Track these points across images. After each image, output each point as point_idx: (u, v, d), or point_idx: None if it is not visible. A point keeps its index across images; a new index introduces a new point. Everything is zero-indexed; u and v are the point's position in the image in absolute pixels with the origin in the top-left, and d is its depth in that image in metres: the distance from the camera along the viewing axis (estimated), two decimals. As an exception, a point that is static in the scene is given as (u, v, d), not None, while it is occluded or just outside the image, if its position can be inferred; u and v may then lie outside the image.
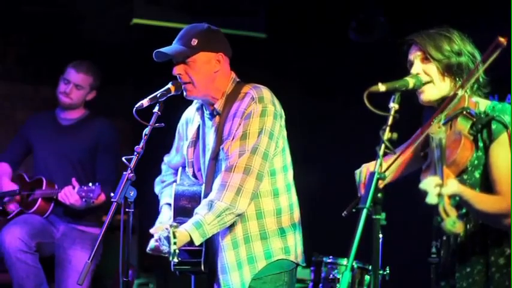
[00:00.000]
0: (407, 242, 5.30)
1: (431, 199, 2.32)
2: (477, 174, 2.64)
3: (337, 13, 5.61)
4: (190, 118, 3.33)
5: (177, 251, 2.79)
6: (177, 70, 3.12)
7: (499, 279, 2.61)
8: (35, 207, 4.57)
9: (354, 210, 2.72)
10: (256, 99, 3.04)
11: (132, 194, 2.90)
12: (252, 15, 5.78)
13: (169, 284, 6.58)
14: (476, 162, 2.63)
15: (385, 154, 2.39)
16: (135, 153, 2.94)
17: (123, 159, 2.92)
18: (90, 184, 4.32)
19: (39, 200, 4.57)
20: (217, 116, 3.14)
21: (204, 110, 3.23)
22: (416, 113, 6.21)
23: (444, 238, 2.81)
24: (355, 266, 4.18)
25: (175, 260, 2.80)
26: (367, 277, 4.24)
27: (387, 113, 2.44)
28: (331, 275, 4.27)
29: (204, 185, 3.12)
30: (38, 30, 6.03)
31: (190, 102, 3.39)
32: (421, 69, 2.71)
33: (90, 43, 5.98)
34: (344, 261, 4.18)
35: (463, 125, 2.62)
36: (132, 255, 5.31)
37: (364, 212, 2.33)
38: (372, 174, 2.33)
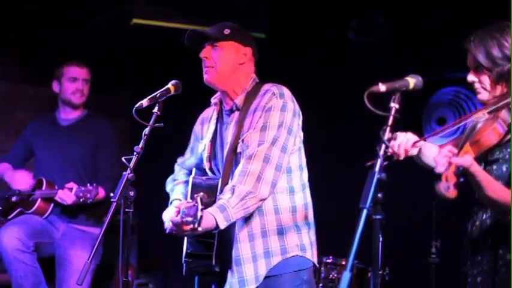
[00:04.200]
0: (407, 242, 5.30)
1: (439, 167, 2.47)
2: (504, 168, 2.69)
3: (337, 13, 5.61)
4: (206, 118, 3.36)
5: (203, 216, 2.73)
6: (204, 52, 3.16)
7: (504, 274, 2.65)
8: (34, 208, 4.58)
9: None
10: (277, 95, 3.08)
11: (132, 194, 2.89)
12: (252, 15, 5.77)
13: (169, 284, 6.58)
14: (507, 156, 2.68)
15: (385, 154, 2.39)
16: (135, 153, 2.94)
17: (123, 159, 2.93)
18: (88, 185, 4.34)
19: (39, 200, 4.57)
20: (236, 112, 3.16)
21: (223, 108, 3.25)
22: (416, 113, 6.24)
23: (468, 229, 2.87)
24: (355, 266, 4.18)
25: (200, 229, 2.74)
26: (366, 277, 4.24)
27: (387, 113, 2.44)
28: (331, 275, 4.27)
29: (220, 179, 3.11)
30: (38, 30, 6.03)
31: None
32: (475, 78, 2.76)
33: (90, 43, 5.97)
34: (344, 261, 4.19)
35: (505, 117, 2.66)
36: (132, 255, 5.32)
37: (364, 212, 2.33)
38: (372, 174, 2.33)
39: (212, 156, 3.25)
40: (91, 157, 4.68)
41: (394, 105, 2.44)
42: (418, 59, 5.48)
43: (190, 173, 3.40)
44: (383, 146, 2.39)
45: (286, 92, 3.13)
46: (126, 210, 2.89)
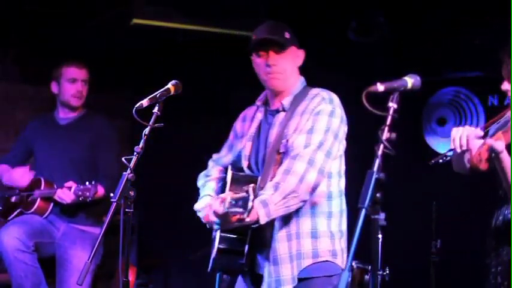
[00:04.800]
0: (408, 242, 5.30)
1: (473, 144, 2.90)
2: None
3: (337, 13, 5.62)
4: (249, 116, 3.36)
5: (253, 207, 2.74)
6: (272, 60, 3.14)
7: None
8: (33, 208, 4.58)
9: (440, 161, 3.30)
10: (326, 100, 3.10)
11: (132, 194, 2.90)
12: (252, 15, 5.77)
13: (169, 284, 6.59)
14: None
15: (383, 154, 2.40)
16: (135, 153, 2.94)
17: (123, 159, 2.93)
18: (87, 183, 4.33)
19: (38, 200, 4.57)
20: (281, 113, 3.18)
21: (268, 107, 3.26)
22: (416, 113, 6.23)
23: (493, 223, 3.14)
24: (355, 266, 4.18)
25: (248, 219, 2.76)
26: (366, 277, 4.24)
27: (386, 112, 2.45)
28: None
29: (260, 177, 3.12)
30: (38, 30, 6.03)
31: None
32: (509, 87, 3.01)
33: (90, 43, 5.98)
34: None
35: None
36: (132, 255, 5.32)
37: (363, 212, 2.33)
38: (371, 173, 2.33)
39: (252, 155, 3.25)
40: (91, 156, 4.68)
41: (393, 105, 2.45)
42: (418, 59, 5.48)
43: (225, 170, 3.40)
44: (381, 146, 2.39)
45: (335, 98, 3.15)
46: (126, 210, 2.89)
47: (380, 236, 4.00)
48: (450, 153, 3.19)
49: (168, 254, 6.50)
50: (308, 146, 3.01)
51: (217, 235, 3.08)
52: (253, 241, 3.05)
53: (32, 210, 4.59)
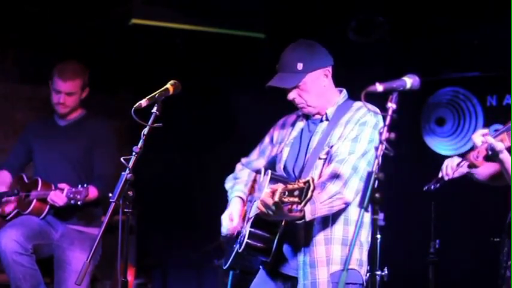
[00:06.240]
0: (406, 242, 5.30)
1: (476, 138, 3.04)
2: None
3: (337, 13, 5.61)
4: (288, 123, 3.41)
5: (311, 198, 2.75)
6: (291, 96, 3.20)
7: None
8: (30, 208, 4.57)
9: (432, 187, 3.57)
10: (372, 112, 3.14)
11: (131, 194, 2.89)
12: (251, 15, 5.78)
13: (168, 284, 6.59)
14: None
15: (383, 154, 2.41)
16: (134, 153, 2.93)
17: (122, 159, 2.92)
18: (79, 186, 4.32)
19: (34, 200, 4.56)
20: (325, 122, 3.23)
21: (310, 116, 3.29)
22: (415, 113, 6.22)
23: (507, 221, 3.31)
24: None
25: (299, 209, 2.79)
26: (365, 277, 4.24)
27: (385, 113, 2.45)
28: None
29: (297, 180, 3.10)
30: (38, 30, 6.03)
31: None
32: None
33: (89, 43, 5.97)
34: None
35: None
36: (130, 255, 5.31)
37: (362, 212, 2.33)
38: (370, 174, 2.33)
39: (289, 160, 3.27)
40: (89, 157, 4.67)
41: (392, 105, 2.45)
42: (418, 58, 5.49)
43: (254, 171, 3.47)
44: (380, 146, 2.40)
45: (379, 112, 3.17)
46: (125, 210, 2.89)
47: (379, 236, 4.02)
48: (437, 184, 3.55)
49: (166, 254, 6.51)
50: (353, 153, 3.07)
51: (247, 231, 3.10)
52: (283, 241, 3.10)
53: (28, 210, 4.58)
